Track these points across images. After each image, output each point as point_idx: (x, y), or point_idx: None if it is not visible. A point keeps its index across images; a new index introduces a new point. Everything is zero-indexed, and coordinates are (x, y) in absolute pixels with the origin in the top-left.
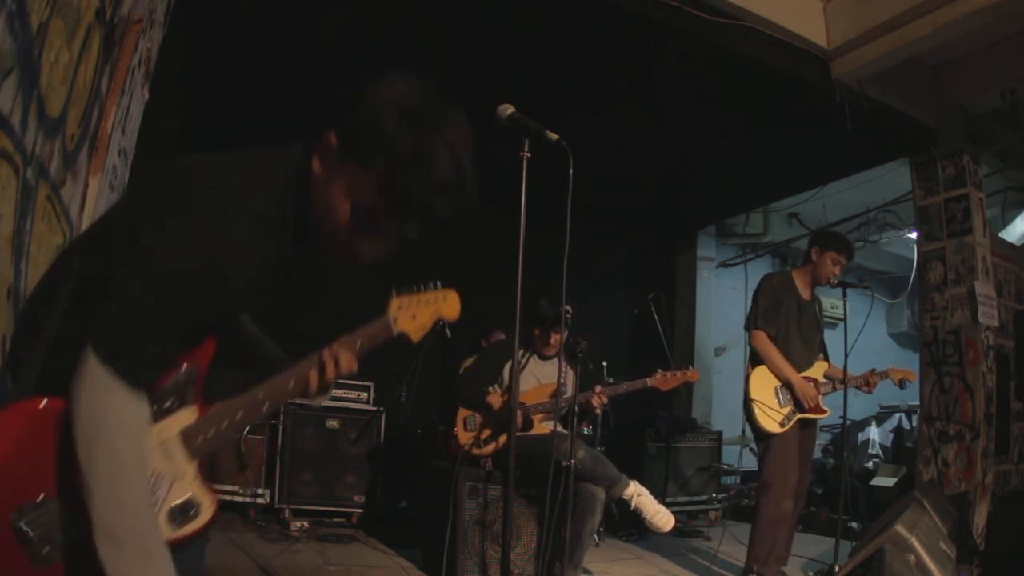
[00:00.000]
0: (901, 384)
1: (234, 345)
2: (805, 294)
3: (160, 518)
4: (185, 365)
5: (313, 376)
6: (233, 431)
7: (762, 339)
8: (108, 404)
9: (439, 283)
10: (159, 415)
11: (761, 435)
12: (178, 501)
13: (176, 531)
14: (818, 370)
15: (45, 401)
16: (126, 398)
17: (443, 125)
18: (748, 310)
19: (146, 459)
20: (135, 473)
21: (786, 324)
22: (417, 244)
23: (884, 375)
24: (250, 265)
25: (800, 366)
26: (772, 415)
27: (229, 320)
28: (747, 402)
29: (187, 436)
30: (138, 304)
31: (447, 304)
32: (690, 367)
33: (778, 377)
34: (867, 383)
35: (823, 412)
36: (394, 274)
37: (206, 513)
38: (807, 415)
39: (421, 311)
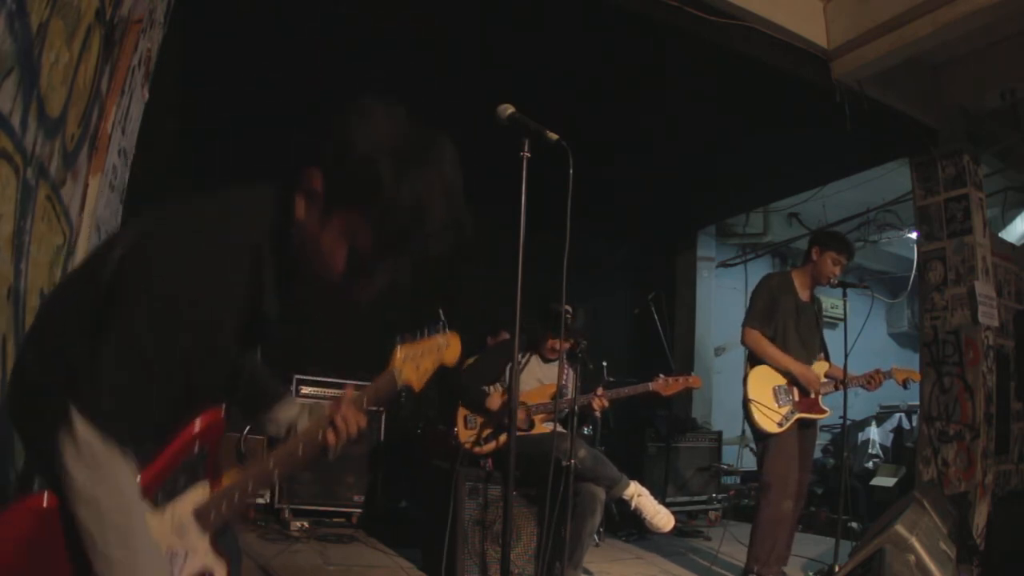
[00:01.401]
0: (905, 384)
1: (234, 384)
2: (804, 295)
3: None
4: (198, 444)
5: (330, 437)
6: (245, 501)
7: (755, 336)
8: (91, 464)
9: (444, 324)
10: (171, 495)
11: (760, 435)
12: (194, 572)
13: None
14: (818, 370)
15: (47, 497)
16: (116, 458)
17: (436, 164)
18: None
19: (143, 514)
20: (141, 528)
21: (784, 325)
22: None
23: (888, 375)
24: (235, 319)
25: None
26: (770, 415)
27: (220, 375)
28: (746, 402)
29: (200, 514)
30: (122, 368)
31: (449, 351)
32: (692, 373)
33: (777, 369)
34: (870, 381)
35: (823, 412)
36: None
37: None
38: (806, 415)
39: (424, 360)
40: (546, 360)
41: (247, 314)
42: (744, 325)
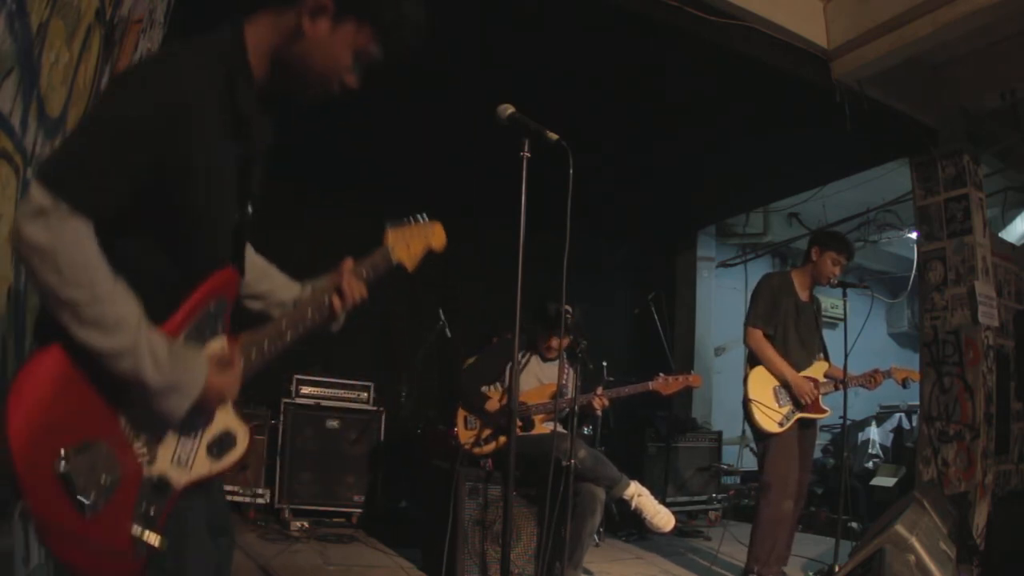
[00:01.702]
0: (904, 384)
1: (239, 244)
2: (804, 295)
3: (201, 451)
4: (215, 298)
5: (336, 302)
6: (262, 362)
7: (757, 337)
8: (45, 223)
9: (425, 216)
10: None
11: (760, 435)
12: (216, 433)
13: (215, 464)
14: (818, 370)
15: (57, 347)
16: (70, 216)
17: None
18: (747, 309)
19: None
20: (101, 270)
21: (784, 325)
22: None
23: (887, 374)
24: (207, 122)
25: (799, 366)
26: (771, 415)
27: (221, 218)
28: (746, 402)
29: (220, 364)
30: (81, 138)
31: (435, 235)
32: (692, 372)
33: (774, 375)
34: (870, 381)
35: (823, 412)
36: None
37: (241, 444)
38: (806, 415)
39: (414, 242)
40: (546, 359)
41: (229, 142)
42: (747, 324)
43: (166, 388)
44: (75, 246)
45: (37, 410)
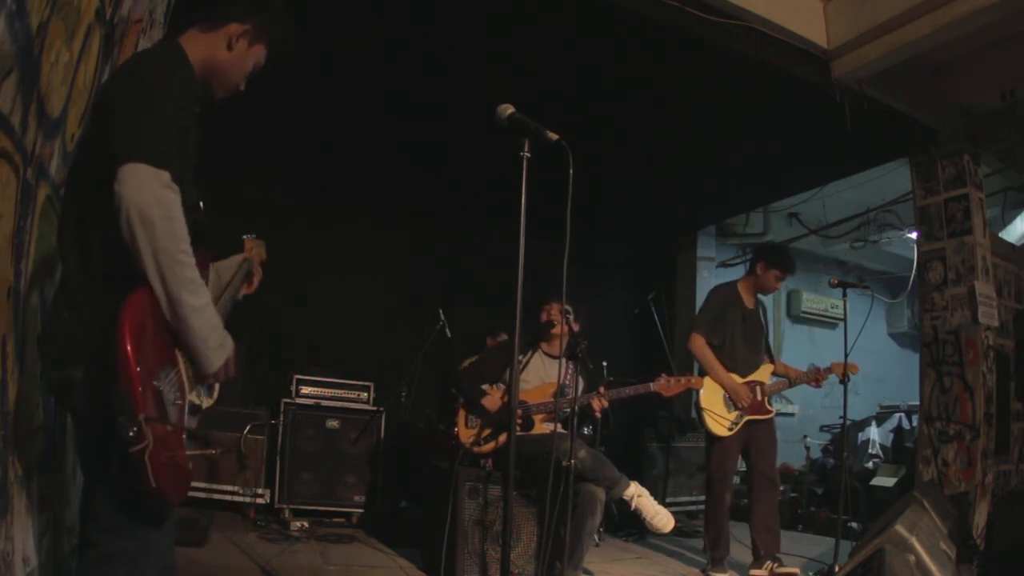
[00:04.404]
0: (844, 377)
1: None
2: (749, 303)
3: (192, 394)
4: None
5: (257, 273)
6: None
7: (700, 344)
8: (162, 195)
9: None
10: None
11: (710, 438)
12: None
13: (208, 400)
14: (765, 372)
15: (144, 290)
16: (168, 182)
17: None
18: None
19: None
20: (187, 244)
21: (731, 333)
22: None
23: (828, 371)
24: (189, 114)
25: (747, 369)
26: (721, 421)
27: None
28: (698, 410)
29: None
30: (147, 119)
31: (262, 247)
32: (695, 375)
33: (713, 380)
34: (815, 380)
35: (768, 412)
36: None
37: (215, 389)
38: (754, 416)
39: (258, 248)
40: (549, 358)
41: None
42: (691, 331)
43: (218, 346)
44: (181, 220)
45: (139, 332)
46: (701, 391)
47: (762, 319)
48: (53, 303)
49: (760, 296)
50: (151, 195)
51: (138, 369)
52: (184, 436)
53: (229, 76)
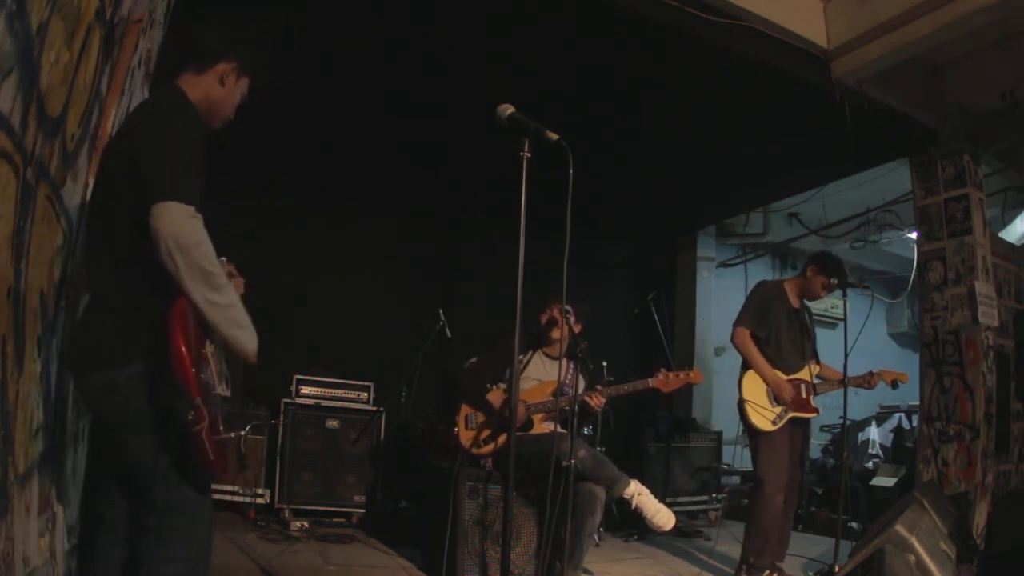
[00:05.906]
0: (894, 385)
1: None
2: (795, 303)
3: (219, 388)
4: None
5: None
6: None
7: (744, 336)
8: (193, 224)
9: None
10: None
11: (753, 433)
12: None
13: (226, 391)
14: (808, 374)
15: (182, 300)
16: (198, 220)
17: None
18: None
19: None
20: (215, 258)
21: (777, 329)
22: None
23: (879, 376)
24: (201, 148)
25: (791, 368)
26: (765, 414)
27: None
28: (741, 402)
29: None
30: (181, 162)
31: (241, 282)
32: (693, 369)
33: (757, 374)
34: (868, 383)
35: (813, 411)
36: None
37: (230, 383)
38: (798, 414)
39: (235, 282)
40: (550, 358)
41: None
42: (735, 324)
43: (250, 328)
44: (208, 241)
45: (187, 333)
46: (744, 384)
47: (808, 323)
48: (87, 314)
49: (806, 302)
50: (183, 226)
51: (191, 362)
52: (220, 420)
53: (223, 110)
